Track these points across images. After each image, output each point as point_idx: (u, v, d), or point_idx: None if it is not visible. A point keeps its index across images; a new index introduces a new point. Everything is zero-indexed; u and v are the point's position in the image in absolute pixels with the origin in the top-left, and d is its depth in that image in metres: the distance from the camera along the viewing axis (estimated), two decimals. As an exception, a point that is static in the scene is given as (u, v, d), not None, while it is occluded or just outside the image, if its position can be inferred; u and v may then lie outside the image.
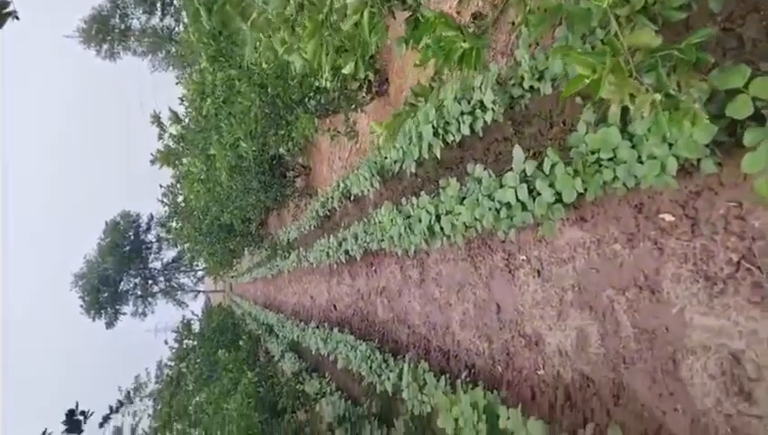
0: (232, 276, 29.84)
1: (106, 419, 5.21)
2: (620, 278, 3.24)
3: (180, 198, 12.90)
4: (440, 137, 4.57)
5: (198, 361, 12.33)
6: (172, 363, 13.86)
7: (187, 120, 8.68)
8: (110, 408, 5.29)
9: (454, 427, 4.36)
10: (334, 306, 10.02)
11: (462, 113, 4.15)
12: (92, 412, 5.23)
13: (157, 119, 9.46)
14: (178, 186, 11.58)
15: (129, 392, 5.12)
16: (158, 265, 35.19)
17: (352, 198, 7.99)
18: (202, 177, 7.37)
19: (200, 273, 35.89)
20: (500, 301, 4.54)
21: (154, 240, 34.08)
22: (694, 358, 2.77)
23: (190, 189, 8.71)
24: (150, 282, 35.15)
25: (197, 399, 8.09)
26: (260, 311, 18.03)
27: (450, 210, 4.32)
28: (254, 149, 6.45)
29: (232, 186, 9.71)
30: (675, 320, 2.88)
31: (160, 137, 9.82)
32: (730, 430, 2.57)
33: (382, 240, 6.07)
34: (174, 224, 13.97)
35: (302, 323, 11.21)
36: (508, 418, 3.72)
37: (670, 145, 2.43)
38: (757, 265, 2.41)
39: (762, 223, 2.39)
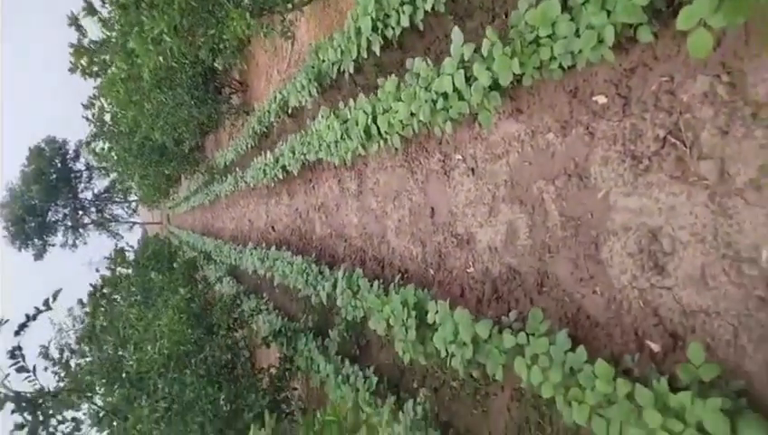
0: (169, 207, 28.84)
1: (22, 326, 4.91)
2: (551, 169, 3.23)
3: (107, 116, 12.01)
4: (379, 32, 4.33)
5: (132, 289, 11.94)
6: (105, 291, 13.36)
7: (105, 14, 7.89)
8: (27, 316, 4.98)
9: (385, 327, 4.41)
10: (272, 228, 9.84)
11: (402, 3, 3.92)
12: (7, 320, 4.91)
13: (74, 20, 8.55)
14: (102, 100, 10.72)
15: (47, 300, 4.82)
16: (89, 195, 33.39)
17: (290, 112, 7.65)
18: (123, 75, 6.76)
19: (135, 204, 34.46)
20: (435, 204, 4.51)
21: (83, 168, 32.11)
22: (615, 239, 2.82)
23: (110, 92, 8.01)
24: (81, 213, 33.42)
25: (128, 317, 7.83)
26: (197, 239, 17.58)
27: (388, 108, 4.15)
28: (182, 50, 5.94)
29: (162, 99, 9.08)
30: (600, 204, 2.91)
31: (80, 42, 8.93)
32: (642, 304, 2.67)
33: (319, 150, 5.86)
34: (101, 144, 13.06)
35: (240, 247, 10.99)
36: (436, 312, 3.76)
37: (608, 13, 2.35)
38: (682, 139, 2.42)
39: (690, 96, 2.38)
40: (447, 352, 3.60)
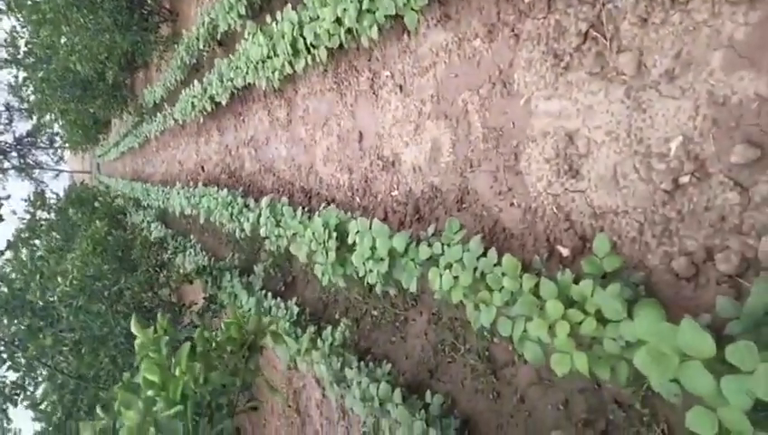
0: (99, 155, 27.17)
1: None
2: (477, 78, 3.10)
3: (21, 42, 10.90)
4: (309, -64, 4.01)
5: (53, 234, 11.16)
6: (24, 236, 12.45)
7: None
8: None
9: (307, 252, 4.24)
10: (202, 168, 9.38)
11: None
12: None
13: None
14: (13, 18, 9.68)
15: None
16: (9, 138, 30.86)
17: (220, 39, 7.16)
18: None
19: (61, 150, 32.23)
20: (363, 128, 4.33)
21: (2, 109, 29.57)
22: (533, 146, 2.75)
23: (19, 5, 7.19)
24: (0, 157, 30.94)
25: (40, 253, 7.28)
26: (127, 185, 16.68)
27: (314, 17, 3.88)
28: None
29: (80, 21, 8.29)
30: (521, 112, 2.82)
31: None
32: (555, 209, 2.62)
33: (247, 73, 5.50)
34: (15, 72, 11.89)
35: (168, 189, 10.46)
36: (357, 232, 3.63)
37: None
38: (603, 32, 2.33)
39: (613, -14, 2.28)
40: (365, 271, 3.49)
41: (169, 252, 7.20)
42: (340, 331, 4.40)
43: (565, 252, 2.53)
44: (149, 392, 1.88)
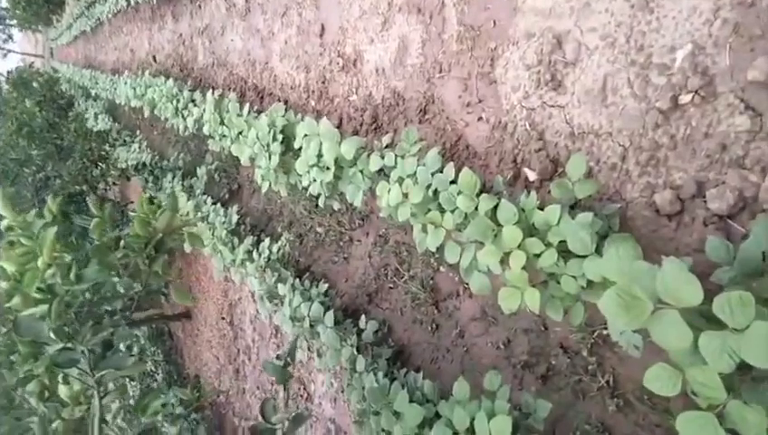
0: (52, 39, 25.08)
1: None
2: (460, -36, 2.61)
3: None
4: None
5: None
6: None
7: None
8: None
9: (249, 154, 3.79)
10: (154, 58, 8.54)
11: None
12: None
13: None
14: None
15: None
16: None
17: None
18: None
19: (10, 29, 29.59)
20: (326, 20, 3.77)
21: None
22: (514, 49, 2.33)
23: None
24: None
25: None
26: (77, 72, 15.41)
27: None
28: None
29: None
30: (506, 7, 2.37)
31: None
32: (528, 126, 2.25)
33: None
34: None
35: (116, 77, 9.59)
36: (306, 135, 3.18)
37: None
38: None
39: None
40: (310, 180, 3.09)
41: (108, 145, 6.57)
42: (281, 245, 4.06)
43: (532, 176, 2.19)
44: (3, 284, 1.48)
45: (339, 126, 3.56)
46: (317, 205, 3.98)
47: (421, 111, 2.90)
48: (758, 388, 1.19)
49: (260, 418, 2.16)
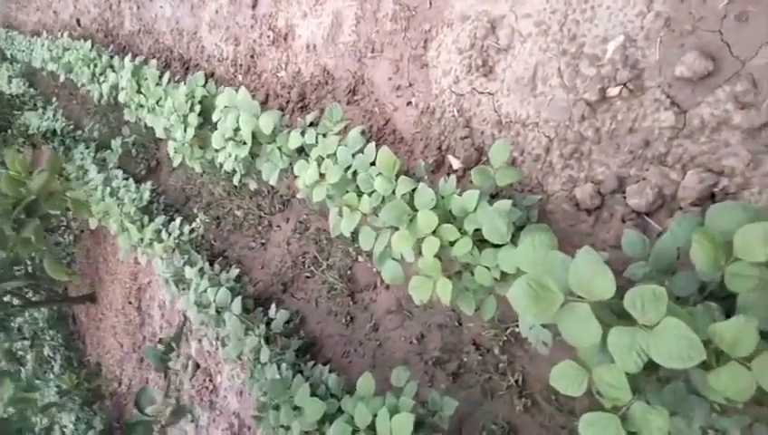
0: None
1: None
2: (400, -61, 2.48)
3: None
4: None
5: None
6: None
7: None
8: None
9: (165, 124, 3.49)
10: (78, 21, 7.89)
11: None
12: None
13: None
14: None
15: None
16: None
17: None
18: None
19: None
20: (260, -10, 3.54)
21: None
22: (448, 32, 2.22)
23: None
24: None
25: None
26: (-8, 31, 14.08)
27: None
28: None
29: None
30: (443, -13, 2.27)
31: None
32: (457, 113, 2.15)
33: None
34: None
35: (33, 38, 8.79)
36: (226, 107, 2.94)
37: None
38: None
39: None
40: (226, 156, 2.86)
41: (15, 109, 5.96)
42: (195, 227, 3.77)
43: (456, 164, 2.09)
44: None
45: (264, 102, 3.34)
46: (237, 186, 3.74)
47: (350, 91, 2.74)
48: (663, 389, 1.12)
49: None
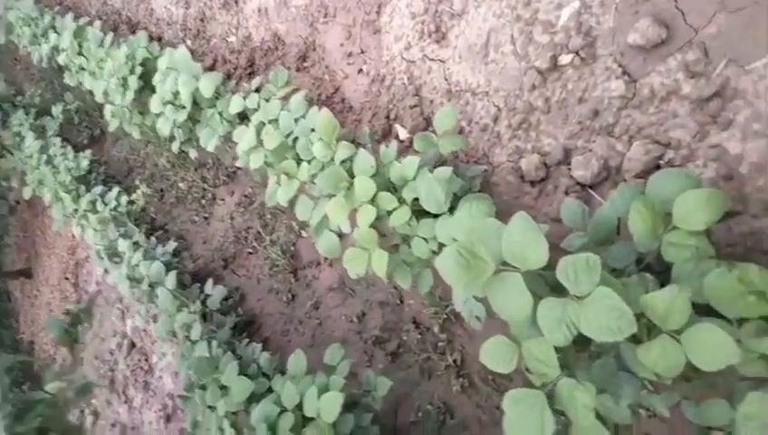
0: None
1: None
2: None
3: None
4: None
5: None
6: None
7: None
8: None
9: (104, 87, 3.26)
10: (24, -21, 7.40)
11: None
12: None
13: None
14: None
15: None
16: None
17: None
18: None
19: None
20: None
21: None
22: (402, -5, 2.11)
23: None
24: None
25: None
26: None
27: None
28: None
29: None
30: (398, -51, 2.14)
31: None
32: (407, 80, 2.05)
33: None
34: None
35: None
36: (168, 68, 2.75)
37: None
38: None
39: None
40: (165, 120, 2.68)
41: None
42: (135, 198, 3.57)
43: (403, 133, 1.98)
44: None
45: (212, 68, 3.16)
46: (182, 157, 3.55)
47: (301, 57, 2.60)
48: (593, 365, 1.05)
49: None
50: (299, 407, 1.69)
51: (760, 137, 1.18)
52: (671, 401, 1.06)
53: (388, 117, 2.08)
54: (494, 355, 1.17)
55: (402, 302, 2.09)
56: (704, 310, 0.94)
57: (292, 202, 1.90)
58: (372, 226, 1.55)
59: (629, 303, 0.93)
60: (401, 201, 1.53)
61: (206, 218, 3.33)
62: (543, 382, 1.08)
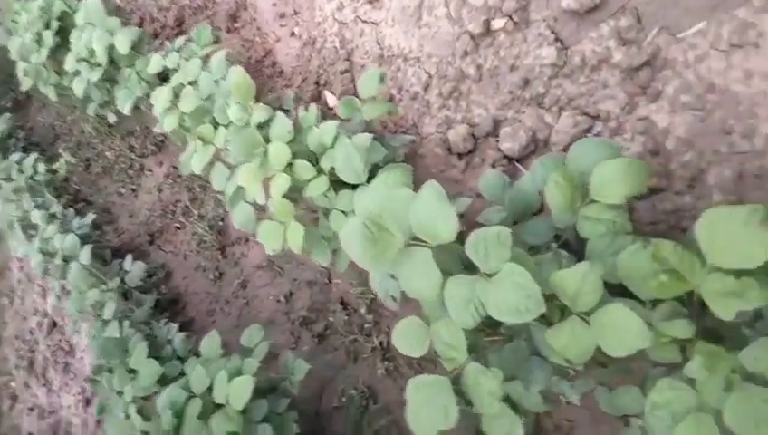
0: None
1: None
2: None
3: None
4: None
5: None
6: None
7: None
8: None
9: (19, 43, 2.97)
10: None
11: None
12: None
13: None
14: None
15: None
16: None
17: None
18: None
19: None
20: None
21: None
22: (335, -48, 1.95)
23: None
24: None
25: None
26: None
27: None
28: None
29: None
30: None
31: None
32: (339, 43, 1.91)
33: None
34: None
35: None
36: (87, 22, 2.50)
37: None
38: None
39: None
40: (79, 79, 2.45)
41: None
42: (57, 167, 3.31)
43: (332, 100, 1.85)
44: None
45: (140, 26, 2.91)
46: (108, 124, 3.30)
47: (232, 16, 2.42)
48: (504, 349, 0.97)
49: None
50: (209, 392, 1.57)
51: (687, 109, 1.12)
52: (585, 388, 1.00)
53: (317, 82, 1.94)
54: (406, 338, 1.08)
55: (330, 281, 1.98)
56: (618, 290, 0.87)
57: (208, 170, 1.75)
58: (292, 198, 1.43)
59: (540, 282, 0.85)
60: (319, 170, 1.41)
61: (133, 190, 3.11)
62: (453, 367, 0.99)
